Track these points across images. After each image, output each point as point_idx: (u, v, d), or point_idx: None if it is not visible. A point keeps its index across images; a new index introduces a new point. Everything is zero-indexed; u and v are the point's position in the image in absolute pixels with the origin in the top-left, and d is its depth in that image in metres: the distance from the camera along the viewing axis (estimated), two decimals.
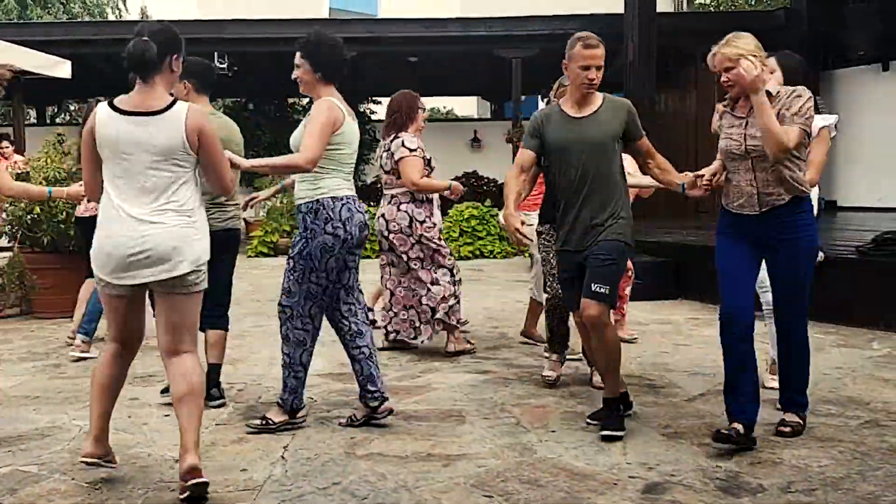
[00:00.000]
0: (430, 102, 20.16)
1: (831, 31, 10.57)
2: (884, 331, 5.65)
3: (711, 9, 18.61)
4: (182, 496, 2.72)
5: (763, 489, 2.87)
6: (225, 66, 11.84)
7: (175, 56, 2.95)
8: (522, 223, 3.48)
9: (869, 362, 4.82)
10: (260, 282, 8.56)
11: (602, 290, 3.39)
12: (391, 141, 4.96)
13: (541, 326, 5.03)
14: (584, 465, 3.13)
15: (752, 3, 17.99)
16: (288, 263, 3.61)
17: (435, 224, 5.05)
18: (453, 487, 2.91)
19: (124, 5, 21.27)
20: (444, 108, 21.29)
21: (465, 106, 25.54)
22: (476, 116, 23.50)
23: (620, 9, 9.31)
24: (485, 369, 4.70)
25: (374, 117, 16.57)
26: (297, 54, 3.54)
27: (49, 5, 19.48)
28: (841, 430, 3.52)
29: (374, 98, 16.74)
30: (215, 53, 11.77)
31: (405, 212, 4.96)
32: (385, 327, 5.16)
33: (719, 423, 3.62)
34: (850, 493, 2.84)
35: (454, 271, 5.09)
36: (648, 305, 6.69)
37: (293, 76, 3.60)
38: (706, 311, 6.17)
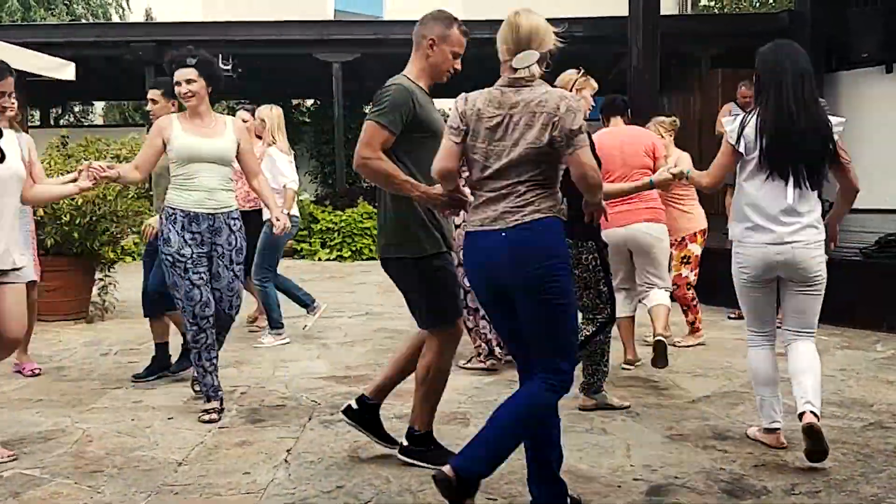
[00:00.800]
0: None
1: (835, 33, 10.56)
2: (887, 332, 5.64)
3: (716, 11, 18.62)
4: None
5: (767, 491, 2.87)
6: (229, 67, 11.85)
7: None
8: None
9: (873, 364, 4.82)
10: None
11: None
12: None
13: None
14: (588, 467, 3.13)
15: (756, 5, 18.00)
16: (238, 258, 3.98)
17: None
18: None
19: (128, 5, 21.29)
20: (449, 110, 21.26)
21: None
22: None
23: (624, 11, 9.31)
24: (489, 371, 4.69)
25: None
26: (193, 71, 3.86)
27: (52, 6, 19.51)
28: (845, 432, 3.52)
29: None
30: (220, 55, 11.76)
31: None
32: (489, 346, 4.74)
33: (723, 426, 3.63)
34: (854, 494, 2.83)
35: None
36: None
37: (185, 90, 3.86)
38: (711, 314, 6.17)
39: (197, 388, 4.07)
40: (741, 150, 3.22)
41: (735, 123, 3.27)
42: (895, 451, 3.28)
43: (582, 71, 3.80)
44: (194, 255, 3.78)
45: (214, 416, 3.79)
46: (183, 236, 3.78)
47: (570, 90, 3.74)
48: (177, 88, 3.89)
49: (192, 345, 3.85)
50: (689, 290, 5.31)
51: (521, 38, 2.59)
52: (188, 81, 3.84)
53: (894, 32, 9.81)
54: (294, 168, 5.84)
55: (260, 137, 6.09)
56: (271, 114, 5.84)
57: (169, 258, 3.78)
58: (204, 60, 3.90)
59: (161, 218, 3.97)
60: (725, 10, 18.30)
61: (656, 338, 4.43)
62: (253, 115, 6.16)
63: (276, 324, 5.63)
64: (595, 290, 3.82)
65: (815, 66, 3.28)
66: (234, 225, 3.91)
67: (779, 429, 3.33)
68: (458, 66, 3.10)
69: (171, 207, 3.84)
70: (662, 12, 9.34)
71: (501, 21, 2.69)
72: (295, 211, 5.88)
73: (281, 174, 5.65)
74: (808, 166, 3.16)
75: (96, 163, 3.67)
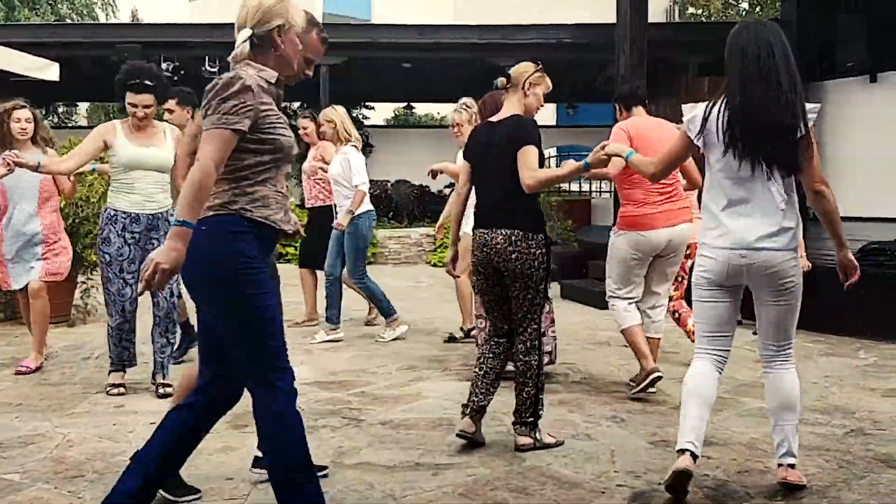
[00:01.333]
0: (422, 109, 20.14)
1: (821, 42, 10.65)
2: (870, 339, 5.69)
3: (703, 19, 18.77)
4: None
5: (750, 497, 2.88)
6: (216, 69, 11.80)
7: None
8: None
9: (856, 371, 4.85)
10: None
11: None
12: None
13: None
14: (572, 473, 3.13)
15: (743, 14, 18.16)
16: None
17: None
18: (441, 496, 2.90)
19: (114, 5, 21.17)
20: (438, 114, 21.35)
21: None
22: None
23: (613, 18, 9.36)
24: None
25: (366, 122, 16.55)
26: (152, 97, 4.15)
27: (37, 6, 19.38)
28: (827, 438, 3.54)
29: (366, 104, 16.73)
30: (206, 57, 11.73)
31: None
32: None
33: (707, 432, 3.61)
34: (836, 501, 2.85)
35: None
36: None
37: (142, 114, 4.13)
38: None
39: (161, 390, 4.25)
40: (698, 143, 2.92)
41: (694, 112, 2.94)
42: (876, 457, 3.30)
43: (540, 66, 3.53)
44: (131, 255, 4.20)
45: (123, 389, 4.28)
46: (123, 236, 4.20)
47: (523, 84, 3.49)
48: (132, 109, 4.16)
49: (116, 331, 4.26)
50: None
51: (239, 18, 2.53)
52: (146, 106, 4.17)
53: (880, 41, 9.91)
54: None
55: (310, 142, 6.28)
56: (338, 112, 5.82)
57: (107, 256, 4.20)
58: (160, 83, 4.24)
59: (102, 218, 4.27)
60: (713, 19, 18.46)
61: (654, 373, 4.23)
62: (314, 120, 6.20)
63: (387, 312, 5.88)
64: (535, 289, 3.38)
65: (801, 74, 3.12)
66: (171, 222, 4.32)
67: (689, 451, 2.84)
68: (311, 72, 2.81)
69: (112, 209, 4.22)
70: (650, 20, 9.40)
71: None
72: (369, 206, 5.80)
73: (356, 174, 5.63)
74: (772, 159, 2.80)
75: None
